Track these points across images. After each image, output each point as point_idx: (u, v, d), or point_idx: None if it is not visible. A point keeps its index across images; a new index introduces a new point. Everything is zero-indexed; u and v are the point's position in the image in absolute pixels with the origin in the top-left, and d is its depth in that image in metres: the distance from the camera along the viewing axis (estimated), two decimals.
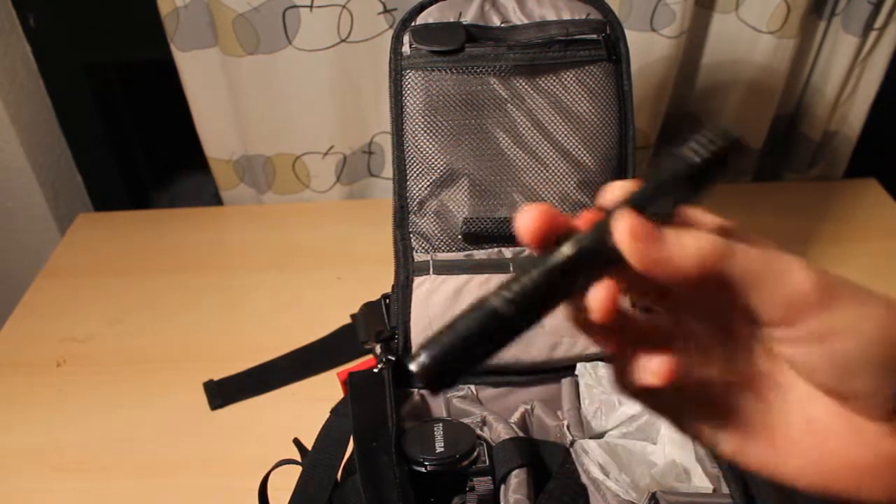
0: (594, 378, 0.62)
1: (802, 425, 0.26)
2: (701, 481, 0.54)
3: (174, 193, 1.25)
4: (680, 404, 0.28)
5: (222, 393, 0.75)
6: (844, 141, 1.02)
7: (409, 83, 0.62)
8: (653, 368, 0.25)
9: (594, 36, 0.61)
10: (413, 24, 0.61)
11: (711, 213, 0.26)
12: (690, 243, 0.23)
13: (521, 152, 0.62)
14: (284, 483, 0.55)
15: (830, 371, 0.25)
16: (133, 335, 0.83)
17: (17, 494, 0.67)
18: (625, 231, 0.23)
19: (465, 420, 0.60)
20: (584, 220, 0.25)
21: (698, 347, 0.27)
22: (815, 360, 0.25)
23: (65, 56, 1.02)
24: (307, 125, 0.97)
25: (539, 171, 0.63)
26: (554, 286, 0.24)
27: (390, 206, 0.65)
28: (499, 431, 0.58)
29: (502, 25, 0.61)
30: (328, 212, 1.03)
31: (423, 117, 0.62)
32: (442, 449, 0.55)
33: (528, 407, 0.62)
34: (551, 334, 0.63)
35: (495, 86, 0.61)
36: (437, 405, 0.65)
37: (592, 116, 0.62)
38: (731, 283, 0.24)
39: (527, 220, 0.24)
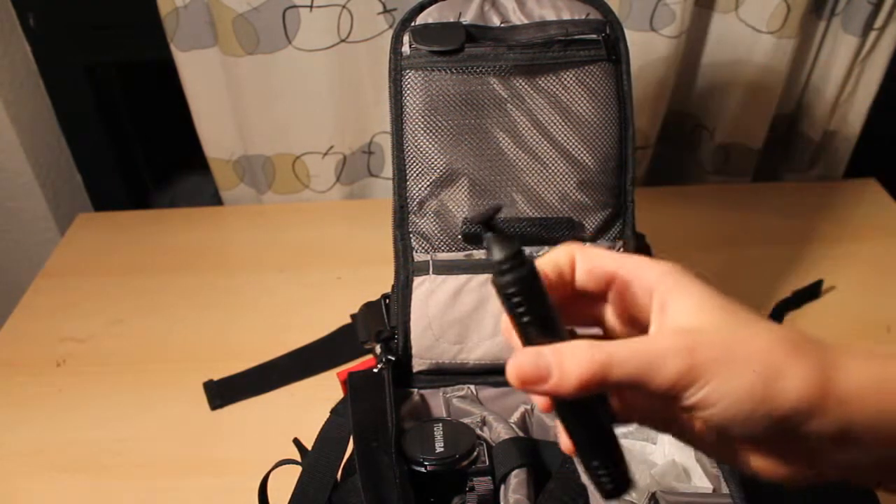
0: None
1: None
2: (701, 481, 0.54)
3: (174, 193, 1.25)
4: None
5: (222, 393, 0.75)
6: (844, 141, 1.02)
7: (408, 83, 0.61)
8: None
9: (594, 36, 0.61)
10: (413, 24, 0.61)
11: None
12: (572, 370, 0.28)
13: (521, 152, 0.62)
14: (284, 483, 0.55)
15: (712, 429, 0.30)
16: (133, 335, 0.83)
17: (17, 494, 0.67)
18: (514, 378, 0.30)
19: (465, 420, 0.60)
20: None
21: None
22: (699, 423, 0.30)
23: (65, 56, 1.02)
24: (307, 125, 0.96)
25: (539, 171, 0.63)
26: None
27: (390, 206, 0.65)
28: (499, 431, 0.58)
29: (502, 25, 0.61)
30: (328, 212, 1.03)
31: (422, 117, 0.62)
32: (442, 449, 0.55)
33: (528, 407, 0.62)
34: None
35: (495, 86, 0.61)
36: (437, 405, 0.65)
37: (592, 116, 0.62)
38: (618, 385, 0.28)
39: None
